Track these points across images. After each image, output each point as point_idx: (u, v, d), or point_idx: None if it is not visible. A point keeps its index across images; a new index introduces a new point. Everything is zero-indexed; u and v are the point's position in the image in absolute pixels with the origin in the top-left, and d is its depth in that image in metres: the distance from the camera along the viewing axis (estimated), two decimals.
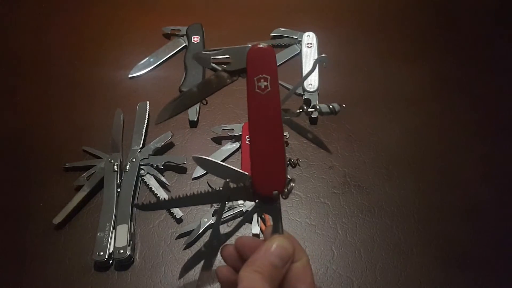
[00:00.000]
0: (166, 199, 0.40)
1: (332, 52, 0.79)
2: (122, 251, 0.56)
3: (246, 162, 0.64)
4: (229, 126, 0.68)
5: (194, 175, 0.65)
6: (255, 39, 0.79)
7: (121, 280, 0.56)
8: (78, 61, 0.80)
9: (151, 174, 0.64)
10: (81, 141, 0.68)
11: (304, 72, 0.74)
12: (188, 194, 0.38)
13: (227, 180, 0.38)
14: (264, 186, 0.37)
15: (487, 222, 0.61)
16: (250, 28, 0.84)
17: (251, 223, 0.58)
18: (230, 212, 0.59)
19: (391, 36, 0.83)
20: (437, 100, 0.74)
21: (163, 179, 0.64)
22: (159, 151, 0.67)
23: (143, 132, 0.68)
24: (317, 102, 0.71)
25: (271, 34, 0.82)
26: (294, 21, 0.84)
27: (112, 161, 0.64)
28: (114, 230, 0.58)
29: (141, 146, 0.66)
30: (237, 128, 0.68)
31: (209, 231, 0.60)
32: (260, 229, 0.58)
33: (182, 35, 0.82)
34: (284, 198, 0.37)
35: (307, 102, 0.70)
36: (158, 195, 0.62)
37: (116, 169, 0.63)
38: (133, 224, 0.59)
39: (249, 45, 0.37)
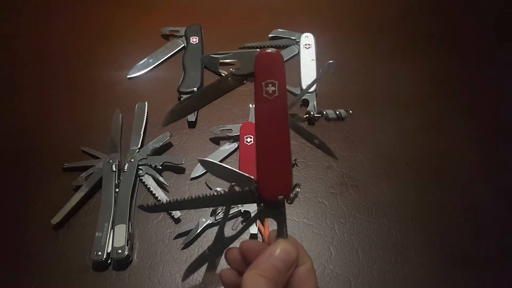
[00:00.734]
0: (171, 201, 0.40)
1: (330, 52, 0.79)
2: (120, 251, 0.56)
3: (244, 163, 0.64)
4: (228, 127, 0.69)
5: (193, 175, 0.65)
6: (254, 40, 0.81)
7: (119, 280, 0.56)
8: (77, 61, 0.80)
9: (149, 174, 0.64)
10: (79, 141, 0.68)
11: (303, 73, 0.75)
12: (193, 197, 0.38)
13: (233, 183, 0.38)
14: (270, 191, 0.37)
15: (485, 223, 0.61)
16: (248, 29, 0.84)
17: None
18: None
19: (389, 36, 0.84)
20: (435, 100, 0.74)
21: (161, 179, 0.64)
22: (158, 152, 0.67)
23: (142, 133, 0.68)
24: (315, 102, 0.71)
25: (269, 35, 0.82)
26: (292, 22, 0.84)
27: (111, 161, 0.64)
28: (112, 230, 0.58)
29: (139, 146, 0.67)
30: (236, 129, 0.68)
31: (208, 231, 0.60)
32: (258, 229, 0.58)
33: (181, 36, 0.82)
34: (290, 203, 0.37)
35: (305, 102, 0.71)
36: (156, 195, 0.62)
37: (115, 169, 0.63)
38: (131, 224, 0.59)
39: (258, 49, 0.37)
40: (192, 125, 0.71)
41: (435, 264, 0.57)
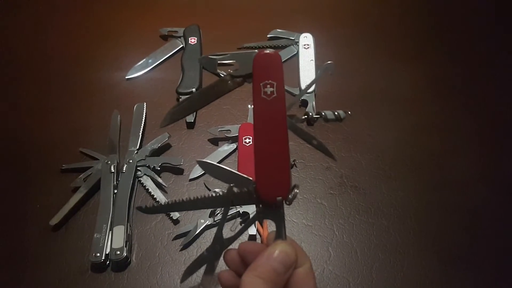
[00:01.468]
0: (169, 202, 0.40)
1: (329, 53, 0.79)
2: (118, 252, 0.56)
3: (243, 163, 0.64)
4: (226, 127, 0.68)
5: (191, 176, 0.65)
6: (252, 40, 0.81)
7: (117, 281, 0.56)
8: (75, 62, 0.80)
9: (148, 175, 0.64)
10: (78, 142, 0.68)
11: (301, 74, 0.74)
12: (192, 198, 0.38)
13: (231, 185, 0.38)
14: (268, 192, 0.37)
15: (485, 223, 0.61)
16: (247, 29, 0.84)
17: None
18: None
19: (388, 36, 0.84)
20: (434, 100, 0.74)
21: (160, 180, 0.64)
22: (156, 152, 0.67)
23: (140, 134, 0.68)
24: (313, 103, 0.71)
25: (268, 35, 0.82)
26: (291, 22, 0.84)
27: (109, 162, 0.64)
28: (110, 231, 0.58)
29: (138, 147, 0.67)
30: (234, 129, 0.68)
31: (206, 232, 0.60)
32: (257, 230, 0.58)
33: (179, 37, 0.82)
34: (288, 204, 0.37)
35: (304, 103, 0.71)
36: (155, 196, 0.62)
37: (113, 171, 0.63)
38: (129, 225, 0.59)
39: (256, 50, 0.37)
40: (190, 126, 0.71)
41: (434, 264, 0.57)
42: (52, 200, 0.62)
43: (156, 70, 0.79)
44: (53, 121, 0.72)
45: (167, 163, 0.65)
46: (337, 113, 0.41)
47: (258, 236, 0.59)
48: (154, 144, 0.67)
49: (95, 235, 0.57)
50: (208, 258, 0.40)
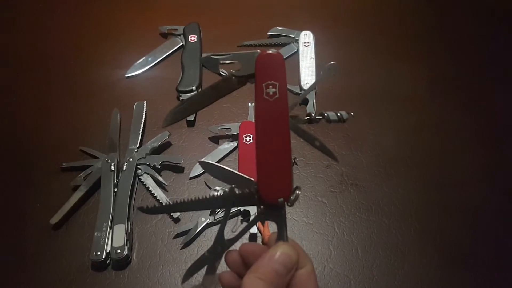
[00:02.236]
0: (170, 203, 0.39)
1: (329, 51, 0.79)
2: (119, 251, 0.56)
3: (243, 162, 0.64)
4: (226, 126, 0.68)
5: (192, 175, 0.65)
6: (252, 38, 0.81)
7: (118, 280, 0.56)
8: (75, 60, 0.80)
9: (148, 174, 0.64)
10: (78, 141, 0.68)
11: (302, 71, 0.74)
12: (193, 199, 0.38)
13: (233, 185, 0.38)
14: (270, 193, 0.36)
15: (485, 222, 0.61)
16: (247, 27, 0.84)
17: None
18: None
19: (388, 34, 0.84)
20: (434, 99, 0.74)
21: (160, 178, 0.64)
22: (156, 151, 0.67)
23: (140, 132, 0.68)
24: (314, 101, 0.71)
25: (268, 33, 0.82)
26: (291, 20, 0.84)
27: (109, 160, 0.64)
28: (111, 230, 0.57)
29: (138, 145, 0.66)
30: (234, 128, 0.68)
31: (207, 231, 0.60)
32: (258, 229, 0.58)
33: (179, 35, 0.82)
34: (290, 206, 0.37)
35: (305, 101, 0.71)
36: (155, 195, 0.62)
37: (113, 169, 0.63)
38: (130, 224, 0.59)
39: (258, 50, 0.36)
40: (191, 124, 0.71)
41: (434, 263, 0.57)
42: (52, 198, 0.62)
43: (156, 68, 0.79)
44: (53, 119, 0.72)
45: (168, 162, 0.65)
46: (340, 114, 0.40)
47: (259, 235, 0.59)
48: (154, 142, 0.66)
49: (95, 233, 0.57)
50: (209, 259, 0.40)
